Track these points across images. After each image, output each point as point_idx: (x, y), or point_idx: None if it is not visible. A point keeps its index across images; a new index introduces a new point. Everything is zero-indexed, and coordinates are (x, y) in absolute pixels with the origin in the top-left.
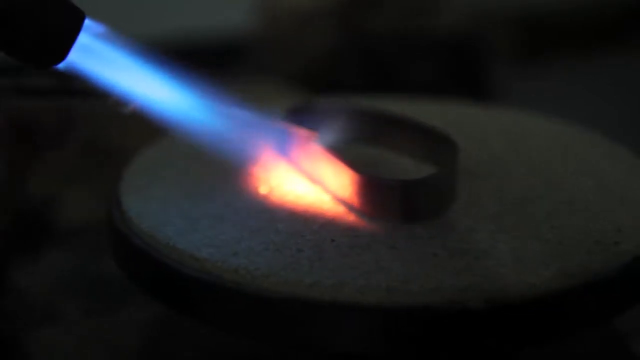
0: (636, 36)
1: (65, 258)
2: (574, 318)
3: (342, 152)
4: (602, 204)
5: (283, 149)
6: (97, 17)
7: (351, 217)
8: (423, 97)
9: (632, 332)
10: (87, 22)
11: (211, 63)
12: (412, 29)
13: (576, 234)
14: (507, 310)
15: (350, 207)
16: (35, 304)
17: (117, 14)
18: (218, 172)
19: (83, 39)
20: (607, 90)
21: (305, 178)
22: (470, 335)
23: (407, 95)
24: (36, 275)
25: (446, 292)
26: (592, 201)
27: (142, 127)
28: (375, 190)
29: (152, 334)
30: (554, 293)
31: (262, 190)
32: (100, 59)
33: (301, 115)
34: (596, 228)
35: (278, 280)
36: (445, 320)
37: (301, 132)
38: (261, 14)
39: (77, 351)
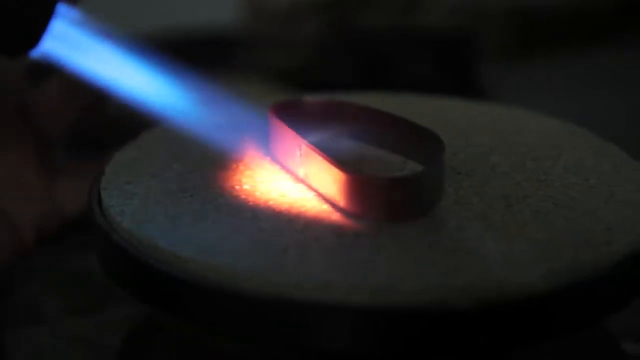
0: (630, 33)
1: (48, 256)
2: (564, 319)
3: (326, 149)
4: (590, 202)
5: (265, 145)
6: (87, 13)
7: (336, 216)
8: (409, 93)
9: (623, 332)
10: (61, 7)
11: (199, 59)
12: (402, 25)
13: (565, 234)
14: (497, 310)
15: (335, 205)
16: (15, 304)
17: (108, 9)
18: (199, 169)
19: (57, 25)
20: (601, 87)
21: (288, 175)
22: (460, 336)
23: (393, 92)
24: (18, 274)
25: (435, 292)
26: (579, 199)
27: (122, 123)
28: (361, 188)
29: (134, 334)
30: (545, 293)
31: (244, 187)
32: (75, 45)
33: (286, 112)
34: (585, 227)
35: (263, 281)
36: (435, 321)
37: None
38: (249, 10)
39: (60, 350)
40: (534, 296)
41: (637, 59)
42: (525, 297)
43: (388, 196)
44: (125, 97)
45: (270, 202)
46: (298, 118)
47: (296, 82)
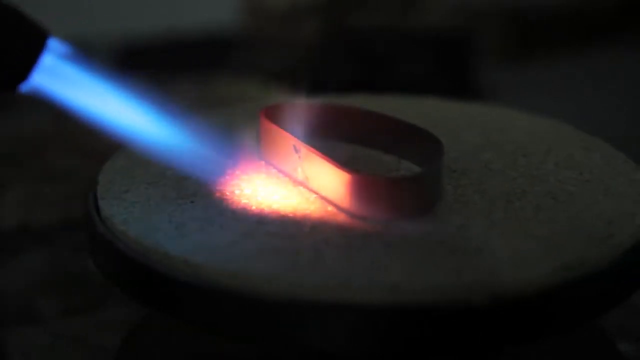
0: (630, 33)
1: (44, 257)
2: (570, 314)
3: (323, 151)
4: (587, 196)
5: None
6: (87, 13)
7: (341, 217)
8: (404, 94)
9: (619, 332)
10: (51, 42)
11: (198, 60)
12: (400, 25)
13: (567, 229)
14: (508, 307)
15: (338, 206)
16: (13, 303)
17: (108, 9)
18: (193, 175)
19: (47, 59)
20: (601, 87)
21: (285, 178)
22: (471, 332)
23: (388, 92)
24: (14, 274)
25: (447, 290)
26: (576, 194)
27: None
28: (368, 188)
29: (134, 334)
30: (553, 290)
31: (245, 192)
32: (64, 79)
33: (277, 115)
34: (586, 222)
35: (279, 284)
36: (449, 318)
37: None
38: (248, 11)
39: (59, 350)
40: (543, 293)
41: (637, 59)
42: (536, 293)
43: (395, 196)
44: (112, 128)
45: (274, 206)
46: (289, 121)
47: (295, 82)
